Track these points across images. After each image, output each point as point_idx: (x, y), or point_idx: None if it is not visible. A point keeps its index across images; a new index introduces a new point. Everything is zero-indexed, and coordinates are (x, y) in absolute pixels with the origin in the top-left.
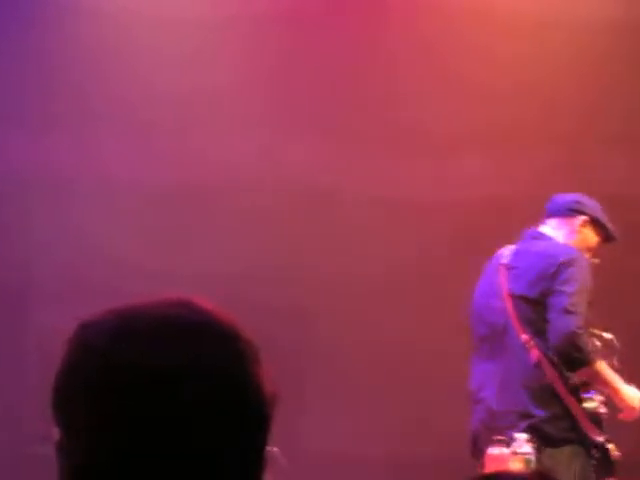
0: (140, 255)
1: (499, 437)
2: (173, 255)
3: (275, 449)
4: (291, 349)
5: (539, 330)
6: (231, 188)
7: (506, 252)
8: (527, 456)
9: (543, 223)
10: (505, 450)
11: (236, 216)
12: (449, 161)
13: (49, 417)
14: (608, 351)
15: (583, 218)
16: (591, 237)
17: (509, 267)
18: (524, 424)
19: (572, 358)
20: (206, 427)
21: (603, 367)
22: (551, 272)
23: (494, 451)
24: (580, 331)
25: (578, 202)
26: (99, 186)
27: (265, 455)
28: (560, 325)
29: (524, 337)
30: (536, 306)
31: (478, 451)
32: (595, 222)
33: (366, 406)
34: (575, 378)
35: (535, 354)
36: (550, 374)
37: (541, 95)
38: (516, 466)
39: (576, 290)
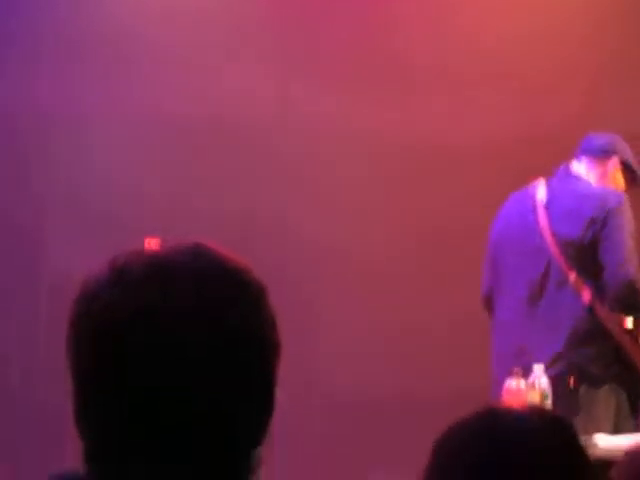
0: (157, 191)
1: (516, 369)
2: (193, 192)
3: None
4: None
5: (588, 272)
6: (249, 126)
7: (540, 189)
8: (544, 388)
9: (577, 160)
10: (522, 383)
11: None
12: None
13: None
14: None
15: (615, 161)
16: (620, 180)
17: (548, 206)
18: (563, 362)
19: (632, 304)
20: (212, 371)
21: None
22: (602, 217)
23: (511, 384)
24: (637, 277)
25: (612, 144)
26: (122, 123)
27: (273, 402)
28: (620, 273)
29: (573, 277)
30: (586, 249)
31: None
32: (625, 165)
33: (378, 349)
34: (628, 322)
35: (586, 294)
36: (599, 314)
37: (558, 37)
38: (533, 399)
39: (628, 236)
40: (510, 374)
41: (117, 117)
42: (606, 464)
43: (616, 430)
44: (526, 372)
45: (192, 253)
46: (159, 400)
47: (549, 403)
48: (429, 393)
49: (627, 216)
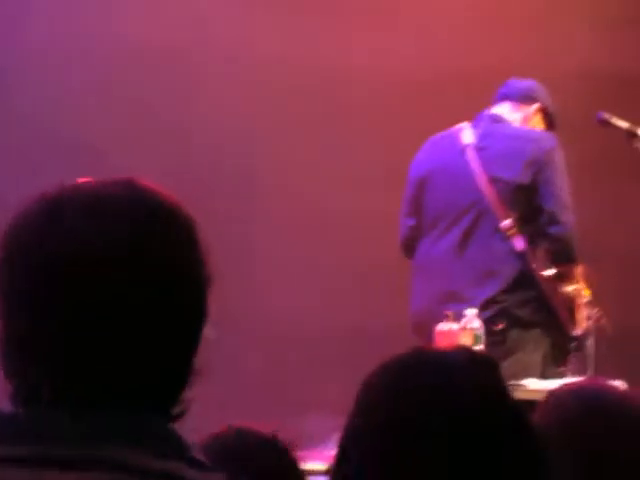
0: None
1: (448, 313)
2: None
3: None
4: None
5: (521, 216)
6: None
7: (466, 132)
8: (476, 331)
9: (497, 105)
10: (454, 326)
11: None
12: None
13: None
14: None
15: (536, 106)
16: (539, 125)
17: (479, 148)
18: (494, 306)
19: (568, 251)
20: (143, 307)
21: (579, 270)
22: (540, 159)
23: (443, 327)
24: (574, 224)
25: (532, 89)
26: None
27: (199, 338)
28: (564, 217)
29: (505, 222)
30: (522, 191)
31: (430, 329)
32: (545, 111)
33: (322, 282)
34: (552, 270)
35: (519, 240)
36: (530, 261)
37: None
38: (465, 341)
39: (564, 181)
40: (438, 318)
41: (38, 51)
42: (534, 406)
43: (543, 375)
44: (457, 316)
45: (125, 188)
46: (92, 334)
47: (481, 346)
48: (367, 330)
49: (561, 158)
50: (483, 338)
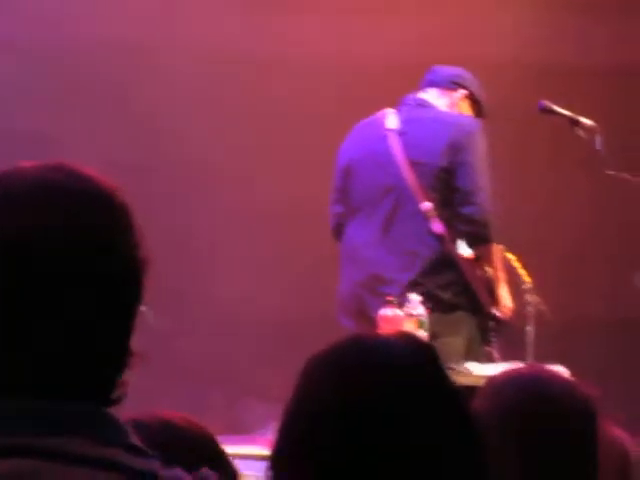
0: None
1: (391, 298)
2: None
3: (147, 309)
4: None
5: (441, 200)
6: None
7: (389, 117)
8: (421, 318)
9: (423, 91)
10: (398, 312)
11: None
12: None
13: None
14: None
15: (463, 92)
16: (466, 111)
17: (401, 133)
18: (416, 289)
19: (481, 232)
20: (76, 291)
21: (497, 252)
22: (459, 142)
23: (387, 312)
24: (489, 207)
25: (460, 76)
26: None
27: (135, 320)
28: (478, 198)
29: (425, 205)
30: (442, 175)
31: (360, 314)
32: (472, 98)
33: (264, 269)
34: (469, 251)
35: (437, 223)
36: (449, 244)
37: None
38: (409, 327)
39: (483, 164)
40: (364, 301)
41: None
42: (474, 391)
43: (467, 356)
44: (383, 300)
45: (63, 173)
46: (27, 319)
47: (425, 332)
48: (302, 315)
49: (482, 143)
50: (427, 324)
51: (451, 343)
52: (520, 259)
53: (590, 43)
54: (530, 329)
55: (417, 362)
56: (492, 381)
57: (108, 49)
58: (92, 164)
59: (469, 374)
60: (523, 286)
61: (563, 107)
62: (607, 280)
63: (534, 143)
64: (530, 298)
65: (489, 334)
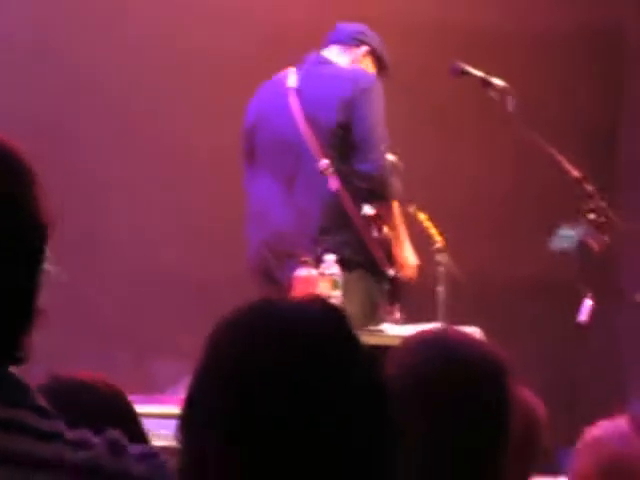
0: None
1: (305, 258)
2: None
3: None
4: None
5: (339, 156)
6: None
7: (290, 76)
8: (335, 277)
9: (325, 48)
10: (313, 271)
11: None
12: None
13: None
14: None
15: (365, 48)
16: (369, 68)
17: (300, 91)
18: (315, 248)
19: (379, 189)
20: None
21: (397, 210)
22: (356, 97)
23: (302, 272)
24: (391, 166)
25: (362, 32)
26: None
27: (42, 277)
28: (374, 154)
29: (322, 163)
30: (338, 131)
31: (265, 274)
32: (374, 54)
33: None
34: (369, 209)
35: (334, 181)
36: (346, 202)
37: None
38: (324, 287)
39: (380, 120)
40: (270, 261)
41: None
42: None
43: (368, 315)
44: (290, 259)
45: None
46: None
47: (339, 292)
48: (217, 271)
49: (378, 98)
50: (341, 283)
51: (352, 301)
52: (432, 219)
53: (511, 7)
54: (441, 289)
55: (326, 328)
56: (404, 343)
57: None
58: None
59: (384, 334)
60: (434, 246)
61: (479, 69)
62: (525, 242)
63: (456, 103)
64: (441, 258)
65: (387, 293)
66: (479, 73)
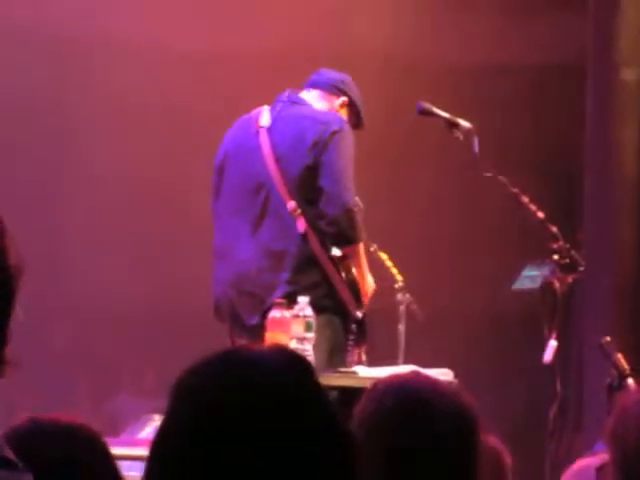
0: None
1: (279, 300)
2: None
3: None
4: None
5: (307, 198)
6: None
7: (264, 114)
8: (308, 319)
9: (305, 90)
10: (286, 313)
11: None
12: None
13: None
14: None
15: (343, 99)
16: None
17: (271, 130)
18: (283, 290)
19: (346, 233)
20: None
21: (362, 249)
22: (325, 139)
23: (275, 314)
24: (355, 208)
25: (344, 82)
26: None
27: (9, 321)
28: (342, 199)
29: (290, 204)
30: (307, 173)
31: (232, 315)
32: (352, 106)
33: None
34: (335, 251)
35: (301, 223)
36: (314, 244)
37: None
38: (297, 329)
39: (348, 164)
40: (235, 302)
41: None
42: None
43: (333, 358)
44: (255, 300)
45: None
46: None
47: (312, 334)
48: (176, 308)
49: (348, 141)
50: (314, 326)
51: (319, 345)
52: (392, 258)
53: (468, 41)
54: (402, 327)
55: (290, 377)
56: (374, 386)
57: None
58: None
59: (357, 376)
60: (395, 285)
61: (439, 107)
62: (481, 278)
63: (417, 143)
64: (402, 297)
65: (353, 336)
66: (444, 114)
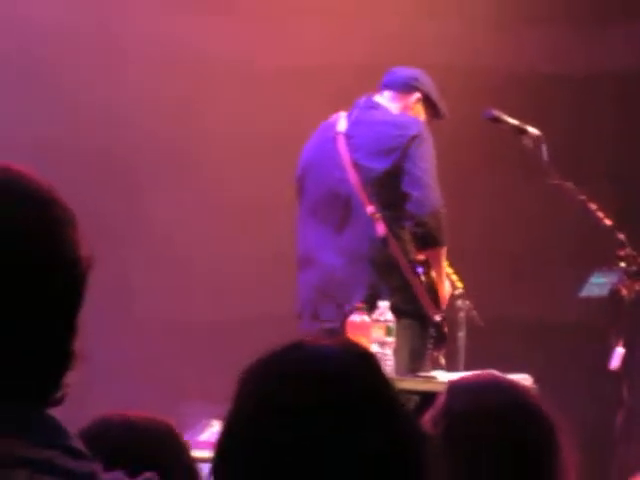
0: None
1: (359, 305)
2: None
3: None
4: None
5: (387, 202)
6: None
7: (341, 120)
8: (389, 324)
9: (378, 94)
10: (366, 318)
11: None
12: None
13: None
14: None
15: (417, 95)
16: (421, 114)
17: (348, 136)
18: (363, 294)
19: (433, 234)
20: (19, 294)
21: (444, 253)
22: (403, 144)
23: (355, 318)
24: (443, 210)
25: (415, 78)
26: None
27: (78, 320)
28: (430, 200)
29: (370, 209)
30: (387, 177)
31: (314, 318)
32: (427, 100)
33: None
34: (416, 255)
35: (381, 227)
36: (394, 247)
37: None
38: (377, 334)
39: (431, 166)
40: (320, 307)
41: None
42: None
43: (413, 363)
44: (337, 304)
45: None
46: None
47: (393, 339)
48: (241, 319)
49: (427, 143)
50: (395, 330)
51: (398, 350)
52: (452, 265)
53: (547, 52)
54: (462, 334)
55: (355, 371)
56: (450, 387)
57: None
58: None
59: (436, 381)
60: (455, 292)
61: (509, 115)
62: (544, 286)
63: (480, 150)
64: (462, 304)
65: (432, 340)
66: (513, 121)
